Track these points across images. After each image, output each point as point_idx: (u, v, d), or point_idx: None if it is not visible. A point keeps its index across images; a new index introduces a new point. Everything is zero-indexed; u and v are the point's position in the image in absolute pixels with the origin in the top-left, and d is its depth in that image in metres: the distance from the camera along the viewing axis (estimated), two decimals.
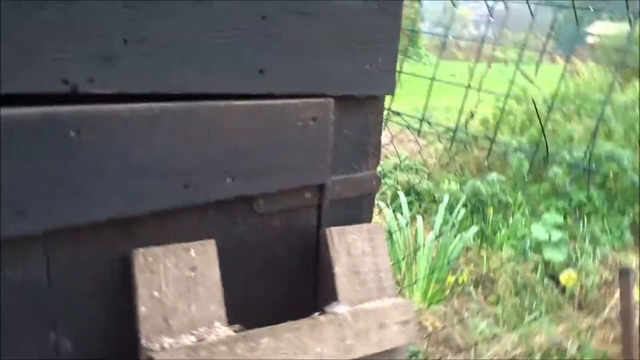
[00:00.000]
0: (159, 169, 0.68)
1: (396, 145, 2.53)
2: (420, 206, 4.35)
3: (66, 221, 0.63)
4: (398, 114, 1.64)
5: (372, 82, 0.85)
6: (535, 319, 3.17)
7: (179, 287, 0.74)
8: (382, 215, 4.02)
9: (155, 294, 0.72)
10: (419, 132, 1.56)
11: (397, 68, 0.94)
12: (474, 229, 3.76)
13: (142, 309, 0.70)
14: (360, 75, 0.83)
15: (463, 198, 3.87)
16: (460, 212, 3.70)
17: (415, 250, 3.48)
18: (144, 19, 0.64)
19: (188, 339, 0.73)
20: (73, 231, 0.65)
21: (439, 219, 3.56)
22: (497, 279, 3.55)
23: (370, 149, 0.93)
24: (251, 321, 0.75)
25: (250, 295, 0.84)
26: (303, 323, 0.80)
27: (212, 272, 0.77)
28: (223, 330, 0.76)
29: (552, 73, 5.87)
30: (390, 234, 3.53)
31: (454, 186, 4.17)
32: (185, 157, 0.70)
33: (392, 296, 0.95)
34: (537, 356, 2.83)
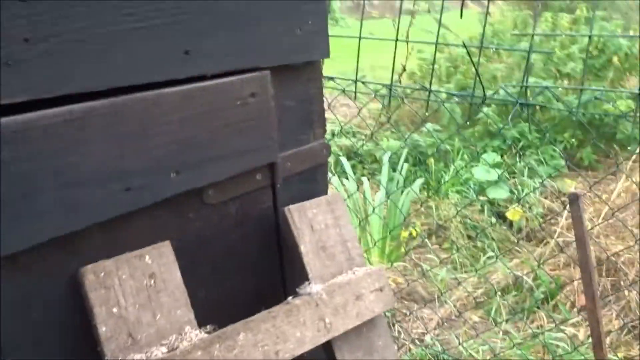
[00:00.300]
0: (95, 176, 0.61)
1: (332, 111, 2.50)
2: (364, 168, 4.37)
3: (4, 250, 0.56)
4: (332, 79, 1.61)
5: (305, 47, 0.80)
6: (489, 258, 3.28)
7: (139, 298, 0.69)
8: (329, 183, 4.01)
9: (114, 310, 0.66)
10: (355, 94, 1.53)
11: None
12: (419, 181, 3.82)
13: (103, 329, 0.65)
14: (292, 42, 0.78)
15: (404, 153, 3.92)
16: (404, 167, 3.74)
17: (366, 213, 3.50)
18: (47, 13, 0.56)
19: (159, 351, 0.69)
20: (13, 259, 0.58)
21: (384, 177, 3.59)
22: (449, 226, 3.63)
23: (315, 118, 0.89)
24: (223, 318, 0.71)
25: (217, 291, 0.80)
26: (278, 310, 0.77)
27: (173, 276, 0.72)
28: (195, 334, 0.72)
29: (466, 19, 5.97)
30: None
31: (394, 143, 4.22)
32: (122, 159, 0.64)
33: (362, 265, 0.93)
34: (497, 291, 2.94)
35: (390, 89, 1.49)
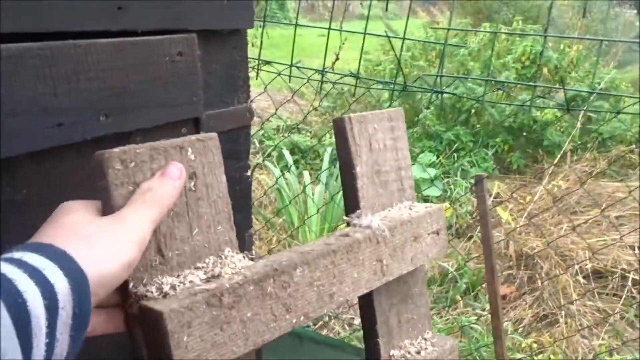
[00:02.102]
0: (31, 109, 0.69)
1: (277, 108, 2.61)
2: (306, 163, 4.49)
3: None
4: (269, 62, 1.70)
5: (231, 16, 0.90)
6: None
7: (175, 204, 0.58)
8: (271, 176, 4.11)
9: None
10: (289, 77, 1.63)
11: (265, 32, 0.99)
12: None
13: None
14: (219, 10, 0.88)
15: None
16: None
17: (307, 206, 3.61)
18: None
19: (195, 276, 0.57)
20: None
21: (323, 172, 3.71)
22: None
23: (239, 83, 0.98)
24: None
25: None
26: (338, 244, 0.66)
27: (218, 180, 0.62)
28: (238, 259, 0.61)
29: (415, 25, 6.21)
30: (279, 191, 3.62)
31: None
32: (55, 97, 0.71)
33: (412, 199, 0.84)
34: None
35: (323, 74, 1.60)
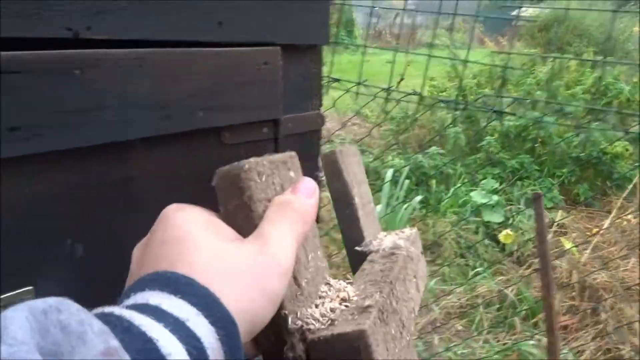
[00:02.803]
0: (145, 103, 0.84)
1: (343, 131, 2.74)
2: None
3: (73, 144, 0.78)
4: (337, 80, 1.84)
5: (310, 33, 1.04)
6: (477, 274, 3.46)
7: None
8: None
9: None
10: (357, 95, 1.76)
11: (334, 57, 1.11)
12: (418, 197, 4.03)
13: None
14: (300, 28, 1.02)
15: (406, 171, 4.13)
16: (405, 183, 3.96)
17: None
18: None
19: (332, 303, 0.54)
20: (78, 154, 0.80)
21: (385, 192, 3.80)
22: (443, 243, 3.82)
23: (313, 92, 1.11)
24: None
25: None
26: (395, 264, 0.65)
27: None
28: (344, 286, 0.57)
29: (482, 54, 6.24)
30: None
31: (398, 162, 4.43)
32: (165, 94, 0.87)
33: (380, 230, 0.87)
34: (481, 304, 3.11)
35: (388, 92, 1.71)
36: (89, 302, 0.85)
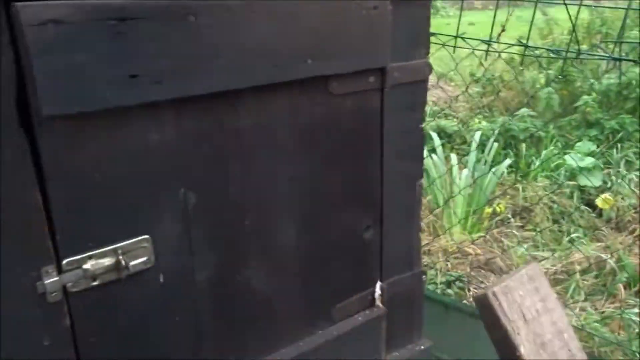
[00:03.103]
0: (256, 51, 0.82)
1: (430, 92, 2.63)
2: (452, 148, 4.45)
3: (191, 91, 0.78)
4: (433, 34, 1.75)
5: None
6: (572, 240, 3.28)
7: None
8: None
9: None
10: (454, 49, 1.67)
11: None
12: (507, 161, 3.86)
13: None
14: None
15: (494, 135, 3.96)
16: (493, 147, 3.79)
17: (452, 190, 3.59)
18: None
19: None
20: (193, 103, 0.80)
21: (472, 156, 3.66)
22: (534, 209, 3.65)
23: (422, 39, 1.06)
24: (320, 183, 0.90)
25: (330, 174, 1.00)
26: None
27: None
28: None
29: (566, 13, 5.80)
30: (426, 171, 3.64)
31: (486, 125, 4.25)
32: (275, 42, 0.84)
33: None
34: (578, 271, 2.95)
35: (488, 44, 1.61)
36: (203, 251, 0.85)
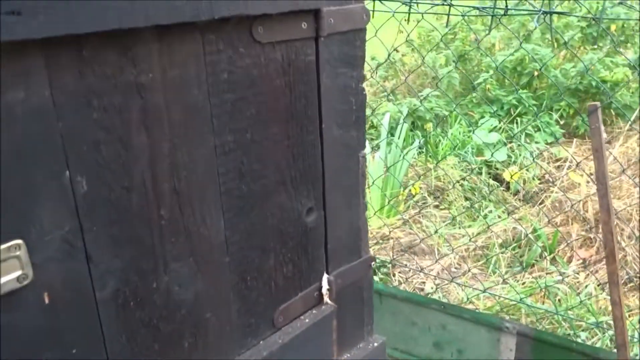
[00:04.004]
0: None
1: None
2: None
3: (76, 29, 0.55)
4: None
5: None
6: (486, 215, 3.31)
7: None
8: None
9: None
10: (372, 12, 1.53)
11: None
12: (417, 142, 3.84)
13: None
14: None
15: (402, 117, 3.93)
16: (403, 129, 3.75)
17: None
18: None
19: None
20: (74, 46, 0.57)
21: (382, 140, 3.59)
22: (447, 188, 3.66)
23: None
24: (251, 156, 0.71)
25: (260, 135, 0.80)
26: None
27: None
28: None
29: None
30: None
31: (392, 107, 4.22)
32: None
33: None
34: (498, 243, 2.97)
35: (409, 5, 1.48)
36: (103, 256, 0.60)
